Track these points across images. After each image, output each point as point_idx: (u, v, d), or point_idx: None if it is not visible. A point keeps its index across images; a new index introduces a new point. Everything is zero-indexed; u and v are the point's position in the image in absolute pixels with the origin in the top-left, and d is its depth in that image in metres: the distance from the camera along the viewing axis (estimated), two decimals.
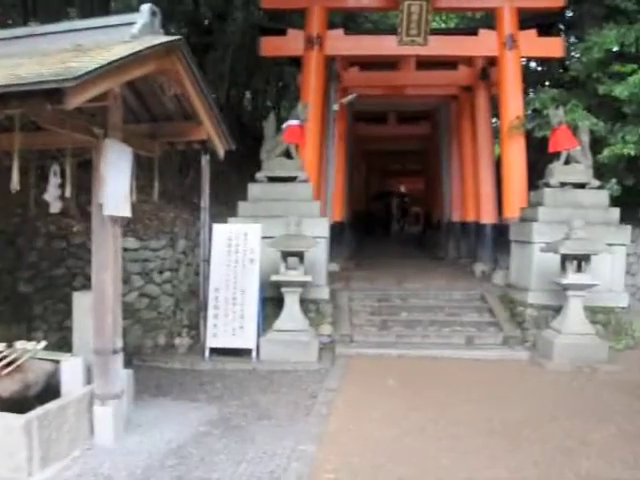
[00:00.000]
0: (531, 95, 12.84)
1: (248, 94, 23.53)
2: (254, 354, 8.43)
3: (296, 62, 13.21)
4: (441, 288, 11.43)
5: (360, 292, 11.04)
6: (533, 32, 12.41)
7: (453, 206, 17.27)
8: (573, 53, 13.92)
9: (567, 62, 14.12)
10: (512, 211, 11.70)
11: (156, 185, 6.37)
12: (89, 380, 5.34)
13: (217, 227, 8.91)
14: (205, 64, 19.41)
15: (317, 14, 12.16)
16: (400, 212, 32.84)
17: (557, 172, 10.13)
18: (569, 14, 15.15)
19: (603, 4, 12.00)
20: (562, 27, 15.46)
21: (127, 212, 5.35)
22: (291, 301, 8.62)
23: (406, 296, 10.88)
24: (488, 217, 13.90)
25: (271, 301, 9.27)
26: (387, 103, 18.20)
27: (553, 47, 12.55)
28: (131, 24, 4.94)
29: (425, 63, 14.59)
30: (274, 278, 8.53)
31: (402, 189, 37.97)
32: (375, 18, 20.46)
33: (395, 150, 25.92)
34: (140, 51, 4.47)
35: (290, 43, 12.39)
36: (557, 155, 10.30)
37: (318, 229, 9.55)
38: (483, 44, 12.57)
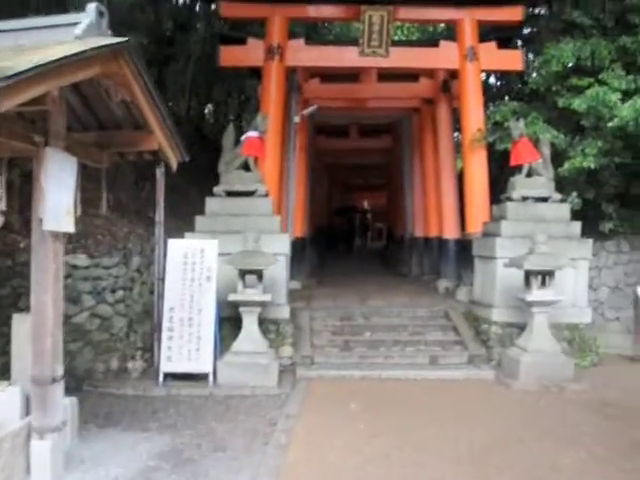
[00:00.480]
0: (492, 109, 12.77)
1: (210, 106, 23.14)
2: (211, 378, 8.03)
3: (257, 73, 12.91)
4: (405, 305, 11.20)
5: (322, 311, 10.72)
6: (493, 45, 12.43)
7: (416, 221, 17.15)
8: (531, 67, 13.91)
9: (525, 76, 14.18)
10: (475, 226, 11.58)
11: (104, 197, 5.99)
12: (28, 411, 4.91)
13: (172, 243, 8.51)
14: (166, 75, 19.16)
15: (277, 24, 11.89)
16: (362, 227, 32.61)
17: (519, 185, 10.04)
18: (527, 29, 15.29)
19: (560, 19, 12.06)
20: (520, 41, 15.58)
21: (70, 227, 4.95)
22: (249, 321, 8.26)
23: (369, 314, 10.61)
24: (451, 232, 13.77)
25: (229, 321, 8.89)
26: (349, 116, 18.02)
27: (512, 60, 12.56)
28: (77, 24, 4.59)
29: (387, 75, 14.45)
30: (231, 297, 8.16)
31: (365, 204, 37.93)
32: (338, 30, 20.38)
33: (357, 164, 25.79)
34: (82, 52, 4.11)
35: (250, 53, 12.09)
36: (519, 168, 10.22)
37: (278, 245, 9.22)
38: (444, 56, 12.49)
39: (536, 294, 8.31)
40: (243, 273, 8.22)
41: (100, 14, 4.72)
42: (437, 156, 14.60)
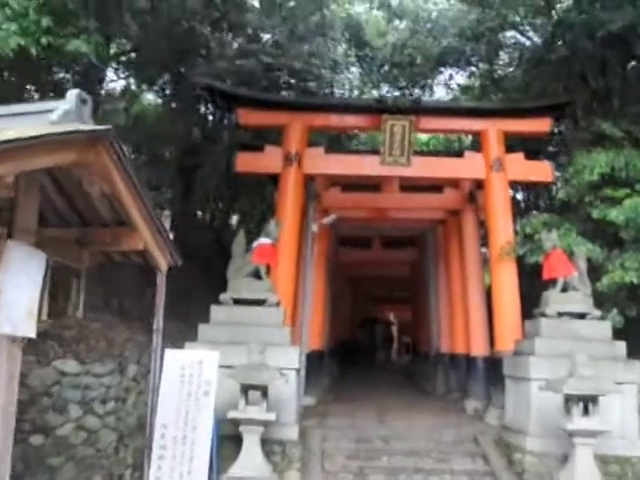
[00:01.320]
0: (522, 221, 12.19)
1: (235, 217, 23.16)
2: None
3: (274, 180, 12.65)
4: (429, 427, 10.11)
5: (336, 431, 9.69)
6: (520, 156, 12.06)
7: (441, 336, 16.17)
8: (559, 180, 13.50)
9: (555, 188, 13.74)
10: (505, 343, 10.70)
11: (81, 299, 5.38)
12: None
13: (169, 353, 7.76)
14: (193, 185, 19.48)
15: (296, 131, 11.76)
16: (386, 340, 31.31)
17: (554, 300, 9.23)
18: (551, 146, 15.08)
19: (589, 130, 11.73)
20: (545, 158, 15.26)
21: (30, 332, 4.31)
22: (250, 442, 7.35)
23: (388, 437, 9.53)
24: (479, 349, 12.80)
25: (230, 440, 7.96)
26: (371, 227, 17.62)
27: (541, 171, 12.15)
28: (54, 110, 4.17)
29: (410, 187, 14.15)
30: (231, 415, 7.32)
31: (389, 317, 36.91)
32: (362, 139, 20.49)
33: (381, 276, 25.17)
34: (48, 135, 3.64)
35: (267, 160, 11.90)
36: (552, 283, 9.47)
37: (286, 359, 8.42)
38: (469, 166, 12.17)
39: (578, 422, 7.29)
40: (246, 388, 7.42)
41: (82, 101, 4.31)
42: (464, 269, 13.92)
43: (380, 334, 31.46)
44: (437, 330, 16.68)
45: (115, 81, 20.95)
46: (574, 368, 7.55)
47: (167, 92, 20.56)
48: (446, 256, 15.65)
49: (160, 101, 21.73)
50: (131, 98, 24.34)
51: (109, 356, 8.22)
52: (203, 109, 19.96)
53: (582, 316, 9.12)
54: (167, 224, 8.10)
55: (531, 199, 17.09)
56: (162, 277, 8.08)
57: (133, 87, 20.32)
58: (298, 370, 8.88)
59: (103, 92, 19.07)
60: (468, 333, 13.38)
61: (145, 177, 24.49)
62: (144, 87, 21.06)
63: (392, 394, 14.87)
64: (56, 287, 9.62)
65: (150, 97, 23.31)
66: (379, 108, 11.76)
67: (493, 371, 11.29)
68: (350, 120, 12.37)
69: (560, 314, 9.14)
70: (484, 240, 14.54)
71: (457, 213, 14.46)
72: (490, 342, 12.33)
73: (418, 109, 11.89)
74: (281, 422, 8.18)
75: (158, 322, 8.16)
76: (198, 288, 12.83)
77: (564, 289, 9.36)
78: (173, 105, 19.81)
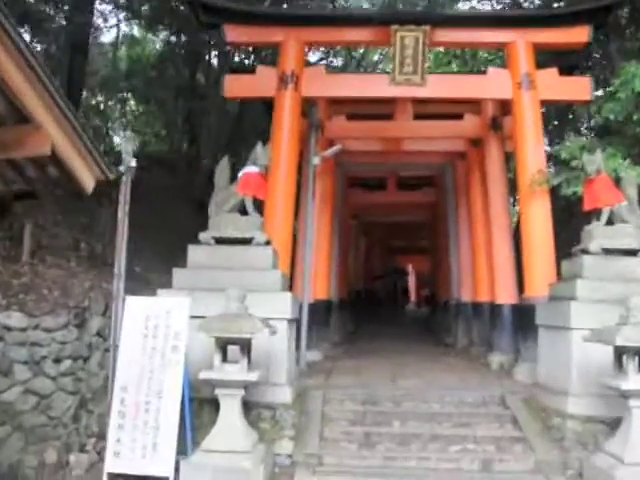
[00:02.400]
0: (555, 147, 10.51)
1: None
2: None
3: (270, 108, 11.03)
4: (448, 387, 8.74)
5: (341, 390, 8.36)
6: (554, 71, 10.32)
7: (463, 283, 14.67)
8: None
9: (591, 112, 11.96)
10: (537, 288, 9.25)
11: (27, 243, 3.96)
12: None
13: (131, 301, 6.43)
14: (199, 131, 19.23)
15: (292, 49, 10.08)
16: (402, 292, 29.82)
17: (598, 235, 7.67)
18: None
19: (636, 37, 9.91)
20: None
21: None
22: (229, 409, 6.01)
23: (401, 398, 8.17)
24: (505, 296, 11.30)
25: (208, 404, 6.70)
26: (384, 165, 15.95)
27: (578, 88, 10.37)
28: None
29: (425, 115, 12.49)
30: (204, 375, 5.97)
31: (406, 267, 35.48)
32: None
33: (397, 223, 23.70)
34: None
35: (260, 82, 10.30)
36: (596, 215, 7.91)
37: (275, 307, 7.02)
38: (494, 85, 10.47)
39: (635, 381, 5.83)
40: (223, 343, 6.04)
41: None
42: (487, 208, 12.28)
43: (397, 285, 29.95)
44: (458, 278, 15.19)
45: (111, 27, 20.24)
46: (629, 315, 6.07)
47: (170, 38, 19.76)
48: (467, 195, 14.02)
49: (161, 46, 20.80)
50: (130, 42, 23.17)
51: (64, 307, 6.91)
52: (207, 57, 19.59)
53: (633, 253, 7.56)
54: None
55: (563, 120, 15.08)
56: (124, 207, 6.73)
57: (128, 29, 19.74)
58: (291, 320, 7.50)
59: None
60: (493, 279, 11.84)
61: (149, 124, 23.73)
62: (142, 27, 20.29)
63: (408, 348, 13.54)
64: (12, 230, 8.38)
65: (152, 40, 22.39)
66: (388, 18, 10.05)
67: (522, 321, 9.89)
68: (354, 34, 10.54)
69: (606, 251, 7.60)
70: (511, 176, 12.94)
71: (479, 143, 12.73)
72: (519, 288, 10.84)
73: (433, 18, 10.15)
74: (270, 382, 6.91)
75: (119, 265, 6.83)
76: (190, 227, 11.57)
77: (610, 221, 7.80)
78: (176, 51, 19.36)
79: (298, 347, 9.50)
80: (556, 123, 15.26)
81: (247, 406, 6.64)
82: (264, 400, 6.89)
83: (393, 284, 28.52)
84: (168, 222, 13.12)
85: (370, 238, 27.25)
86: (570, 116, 14.56)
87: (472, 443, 7.06)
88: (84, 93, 17.70)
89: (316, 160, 10.45)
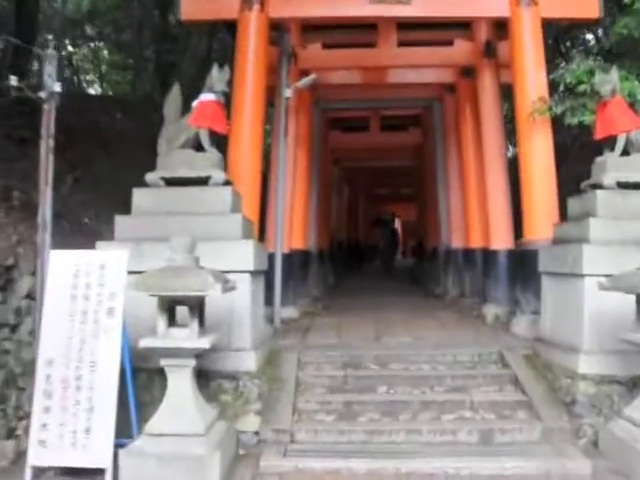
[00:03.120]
0: (559, 71, 9.26)
1: None
2: (109, 478, 4.74)
3: (233, 33, 9.68)
4: (439, 345, 7.77)
5: (318, 352, 7.36)
6: None
7: (452, 229, 13.58)
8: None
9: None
10: (539, 230, 8.19)
11: None
12: None
13: (56, 255, 5.27)
14: (170, 74, 17.74)
15: None
16: (389, 242, 28.67)
17: (612, 167, 6.62)
18: None
19: None
20: None
21: None
22: (178, 382, 4.95)
23: (387, 359, 7.19)
24: (501, 241, 10.23)
25: (160, 377, 5.64)
26: (366, 102, 14.60)
27: (584, 5, 9.08)
28: None
29: (411, 42, 11.19)
30: (144, 343, 4.87)
31: (393, 216, 34.37)
32: None
33: (382, 168, 22.45)
34: None
35: (221, 2, 8.94)
36: (609, 143, 6.84)
37: (237, 258, 5.93)
38: (488, 2, 9.17)
39: None
40: (168, 304, 4.94)
41: None
42: (480, 144, 11.05)
43: (383, 235, 28.80)
44: (447, 223, 14.11)
45: None
46: None
47: None
48: (458, 133, 12.79)
49: None
50: None
51: None
52: None
53: None
54: None
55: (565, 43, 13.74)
56: (47, 141, 5.53)
57: None
58: (256, 273, 6.41)
59: None
60: (487, 222, 10.76)
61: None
62: None
63: (395, 302, 12.50)
64: None
65: None
66: None
67: (521, 268, 8.87)
68: None
69: (622, 185, 6.55)
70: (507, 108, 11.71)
71: (471, 73, 11.41)
72: (516, 232, 9.79)
73: None
74: (232, 347, 5.89)
75: (44, 214, 5.66)
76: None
77: (626, 151, 6.72)
78: None
79: (271, 303, 8.52)
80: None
81: (206, 377, 5.69)
82: (225, 369, 5.88)
83: (391, 233, 27.19)
84: (128, 169, 11.86)
85: (353, 186, 26.05)
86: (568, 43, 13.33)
87: (469, 410, 6.12)
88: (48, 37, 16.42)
89: (288, 92, 9.29)
